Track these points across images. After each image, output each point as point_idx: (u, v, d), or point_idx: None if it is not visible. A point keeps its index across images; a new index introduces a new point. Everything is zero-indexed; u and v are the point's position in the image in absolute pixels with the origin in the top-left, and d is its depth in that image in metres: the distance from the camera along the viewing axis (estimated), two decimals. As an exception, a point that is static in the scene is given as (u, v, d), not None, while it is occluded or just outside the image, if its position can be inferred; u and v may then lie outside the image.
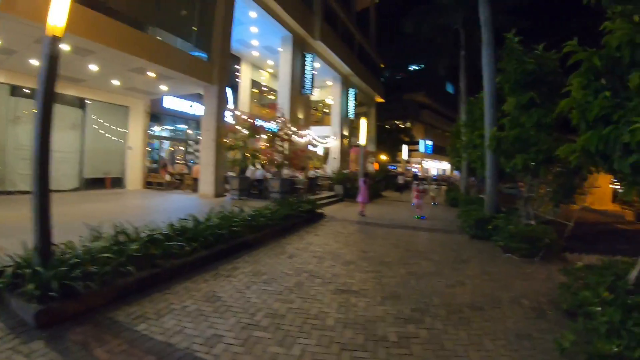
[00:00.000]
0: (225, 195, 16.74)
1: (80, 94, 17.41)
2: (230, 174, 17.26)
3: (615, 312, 3.98)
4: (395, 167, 60.75)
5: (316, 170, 23.46)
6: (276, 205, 11.94)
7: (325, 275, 6.96)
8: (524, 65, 9.45)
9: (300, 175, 19.60)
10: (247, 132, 16.41)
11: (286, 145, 16.57)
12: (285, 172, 18.39)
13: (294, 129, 16.66)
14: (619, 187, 19.96)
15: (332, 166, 31.17)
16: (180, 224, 7.70)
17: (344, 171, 22.57)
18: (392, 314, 5.22)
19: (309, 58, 24.83)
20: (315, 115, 37.53)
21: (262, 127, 16.45)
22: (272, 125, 17.48)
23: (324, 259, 8.16)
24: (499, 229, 10.11)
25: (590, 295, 4.66)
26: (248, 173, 17.46)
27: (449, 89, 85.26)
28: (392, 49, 74.53)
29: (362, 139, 22.69)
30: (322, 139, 35.31)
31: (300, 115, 24.88)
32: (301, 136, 19.97)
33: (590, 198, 12.00)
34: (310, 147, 38.38)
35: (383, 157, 53.74)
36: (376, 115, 46.78)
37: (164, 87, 18.22)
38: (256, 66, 29.35)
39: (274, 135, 15.86)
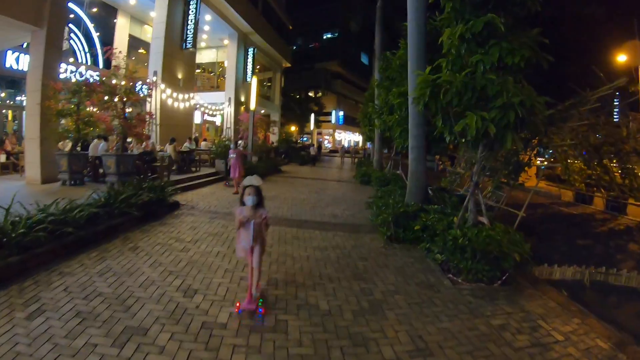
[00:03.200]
0: (59, 180, 11.96)
1: None
2: (61, 151, 12.35)
3: None
4: (306, 139, 57.49)
5: (192, 142, 18.80)
6: (100, 196, 7.89)
7: None
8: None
9: (167, 149, 15.12)
10: (79, 91, 11.55)
11: (131, 109, 11.79)
12: (146, 145, 13.84)
13: (140, 82, 11.92)
14: (542, 162, 17.46)
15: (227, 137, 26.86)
16: None
17: (225, 141, 18.17)
18: None
19: (193, 4, 19.96)
20: (210, 79, 32.64)
21: (100, 83, 11.46)
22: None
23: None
24: (435, 233, 6.55)
25: None
26: (90, 149, 12.74)
27: (364, 59, 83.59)
28: (306, 15, 70.80)
29: (252, 103, 18.69)
30: (218, 107, 30.88)
31: (180, 75, 20.14)
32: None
33: (524, 175, 9.04)
34: (204, 115, 34.12)
35: (292, 128, 50.12)
36: (282, 81, 42.65)
37: None
38: (136, 19, 23.88)
39: (110, 93, 10.99)
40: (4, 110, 18.04)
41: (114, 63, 11.46)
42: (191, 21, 19.94)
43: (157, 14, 19.03)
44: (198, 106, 31.04)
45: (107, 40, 21.50)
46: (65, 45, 17.99)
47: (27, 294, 4.43)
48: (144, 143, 13.87)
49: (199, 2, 20.03)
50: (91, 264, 5.54)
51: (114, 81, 11.03)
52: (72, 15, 19.27)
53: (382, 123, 13.82)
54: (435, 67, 6.43)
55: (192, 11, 19.93)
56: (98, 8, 21.24)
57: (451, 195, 9.48)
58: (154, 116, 15.21)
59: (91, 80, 11.42)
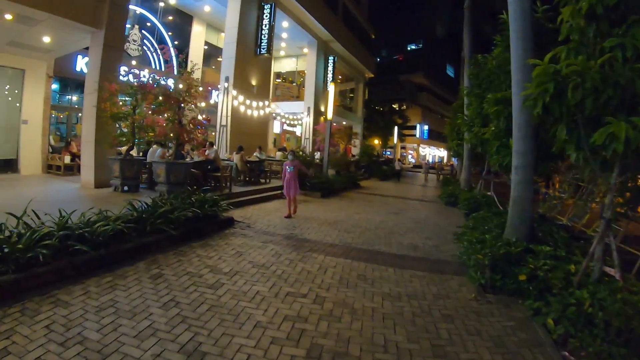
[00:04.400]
0: (111, 186, 11.36)
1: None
2: (117, 155, 11.64)
3: None
4: (389, 153, 55.56)
5: (262, 152, 17.57)
6: (131, 210, 6.89)
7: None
8: None
9: (233, 158, 14.03)
10: (135, 94, 10.68)
11: (189, 112, 10.71)
12: (210, 152, 12.78)
13: (200, 88, 10.73)
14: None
15: (308, 148, 25.83)
16: None
17: (299, 151, 16.75)
18: None
19: (267, 9, 19.05)
20: (290, 88, 31.83)
21: (157, 86, 10.45)
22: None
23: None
24: (546, 286, 4.77)
25: None
26: (149, 155, 11.91)
27: (449, 72, 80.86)
28: (389, 26, 69.47)
29: (329, 112, 17.30)
30: (298, 117, 29.99)
31: (254, 82, 19.20)
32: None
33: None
34: (284, 126, 33.31)
35: (375, 141, 48.31)
36: (366, 93, 41.08)
37: (45, 38, 12.98)
38: (212, 26, 23.67)
39: (167, 97, 9.91)
40: (74, 113, 18.12)
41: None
42: (265, 26, 19.06)
43: (230, 18, 18.32)
44: (276, 116, 30.35)
45: (183, 48, 21.47)
46: (138, 52, 17.85)
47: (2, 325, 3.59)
48: (207, 151, 12.85)
49: (273, 6, 19.12)
50: (96, 292, 4.55)
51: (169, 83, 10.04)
52: (148, 24, 19.49)
53: (473, 137, 11.81)
54: (551, 61, 4.55)
55: (267, 16, 19.07)
56: (173, 16, 21.21)
57: (558, 229, 7.39)
58: (210, 121, 14.25)
59: (146, 81, 10.39)
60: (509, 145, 7.46)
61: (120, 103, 10.98)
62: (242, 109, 18.35)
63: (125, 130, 11.17)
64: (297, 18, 23.11)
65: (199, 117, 10.71)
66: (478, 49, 15.71)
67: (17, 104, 15.26)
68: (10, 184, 12.08)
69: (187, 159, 11.92)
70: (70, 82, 17.40)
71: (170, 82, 17.32)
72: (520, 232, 6.32)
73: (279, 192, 14.31)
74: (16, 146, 15.37)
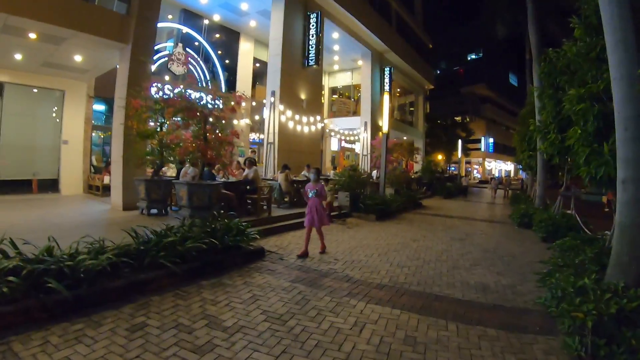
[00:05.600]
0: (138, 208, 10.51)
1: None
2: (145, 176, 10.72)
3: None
4: (454, 169, 52.86)
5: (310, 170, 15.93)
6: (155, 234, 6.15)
7: None
8: None
9: (282, 178, 12.74)
10: (161, 110, 9.66)
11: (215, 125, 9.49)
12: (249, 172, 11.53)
13: (232, 102, 9.45)
14: None
15: (364, 166, 24.46)
16: None
17: (349, 169, 15.00)
18: None
19: (313, 18, 17.96)
20: (346, 103, 30.58)
21: (178, 98, 9.35)
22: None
23: None
24: None
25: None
26: (181, 175, 10.86)
27: (512, 80, 77.38)
28: (447, 37, 67.42)
29: (384, 124, 15.82)
30: (354, 133, 28.67)
31: (303, 96, 18.04)
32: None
33: None
34: (342, 143, 31.92)
35: (439, 157, 45.98)
36: (426, 105, 39.23)
37: (77, 57, 12.92)
38: (260, 42, 22.83)
39: (189, 110, 8.70)
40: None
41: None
42: (312, 36, 17.95)
43: (273, 30, 17.34)
44: (334, 133, 29.21)
45: (232, 65, 20.99)
46: (183, 70, 17.34)
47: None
48: (245, 170, 11.66)
49: (319, 15, 18.02)
50: (55, 344, 3.62)
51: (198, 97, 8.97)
52: (196, 43, 19.19)
53: (548, 145, 9.90)
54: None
55: (313, 25, 17.99)
56: (220, 33, 20.87)
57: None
58: (240, 137, 13.17)
59: (171, 95, 9.36)
60: (604, 152, 5.70)
61: (151, 120, 10.10)
62: (290, 124, 17.21)
63: (154, 148, 10.23)
64: (347, 28, 21.88)
65: (227, 132, 9.46)
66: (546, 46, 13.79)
67: (58, 125, 15.44)
68: (41, 204, 11.88)
69: (222, 179, 10.78)
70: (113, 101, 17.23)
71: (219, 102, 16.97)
72: (630, 274, 4.51)
73: (334, 214, 12.94)
74: (57, 166, 15.49)
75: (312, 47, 17.94)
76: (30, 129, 14.96)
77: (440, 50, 49.34)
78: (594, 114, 6.00)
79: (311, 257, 7.85)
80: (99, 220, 9.47)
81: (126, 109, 10.08)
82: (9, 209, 10.63)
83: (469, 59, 74.52)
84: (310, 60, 17.97)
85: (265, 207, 11.01)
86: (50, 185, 15.43)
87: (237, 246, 6.99)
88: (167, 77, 16.81)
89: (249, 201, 11.01)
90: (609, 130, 5.71)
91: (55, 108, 15.54)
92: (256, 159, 14.65)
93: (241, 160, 14.93)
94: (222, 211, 8.58)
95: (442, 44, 56.03)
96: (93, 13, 10.67)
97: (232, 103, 9.27)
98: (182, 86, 9.22)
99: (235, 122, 18.09)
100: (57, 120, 15.50)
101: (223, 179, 10.91)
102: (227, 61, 21.06)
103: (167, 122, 9.86)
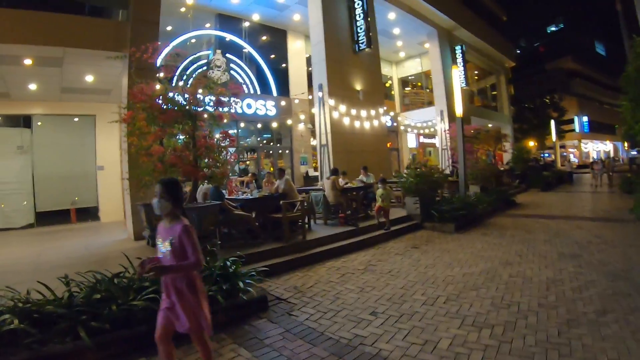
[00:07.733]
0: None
1: (20, 110, 13.88)
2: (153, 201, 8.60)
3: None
4: (548, 155, 46.73)
5: (368, 174, 12.76)
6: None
7: None
8: None
9: (328, 186, 10.09)
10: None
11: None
12: (278, 185, 9.12)
13: (223, 97, 7.05)
14: None
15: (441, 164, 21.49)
16: None
17: (417, 167, 11.80)
18: None
19: (360, -5, 15.50)
20: (419, 94, 27.58)
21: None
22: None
23: None
24: None
25: None
26: (197, 196, 8.55)
27: (599, 49, 69.87)
28: (523, 10, 62.25)
29: (458, 107, 12.90)
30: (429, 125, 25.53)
31: (358, 86, 15.46)
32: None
33: None
34: (421, 138, 28.55)
35: (531, 143, 40.83)
36: (510, 87, 35.05)
37: (88, 77, 12.22)
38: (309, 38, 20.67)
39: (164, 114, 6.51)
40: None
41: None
42: (359, 16, 15.44)
43: (313, 16, 15.04)
44: (408, 128, 26.33)
45: (283, 67, 19.54)
46: (225, 77, 15.74)
47: None
48: (277, 181, 9.26)
49: (367, -9, 15.45)
50: None
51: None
52: (242, 49, 17.79)
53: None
54: None
55: (358, 4, 15.44)
56: (265, 34, 19.10)
57: None
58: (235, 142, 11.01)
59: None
60: None
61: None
62: (346, 121, 14.70)
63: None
64: (404, 6, 19.07)
65: (217, 136, 7.19)
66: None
67: (92, 151, 15.25)
68: (60, 236, 11.38)
69: (242, 195, 8.45)
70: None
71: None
72: None
73: (397, 227, 10.22)
74: (95, 194, 15.27)
75: (361, 29, 15.43)
76: (64, 158, 14.76)
77: (516, 25, 44.87)
78: None
79: (339, 305, 5.17)
80: (93, 254, 8.03)
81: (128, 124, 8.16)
82: (13, 245, 10.28)
83: (548, 31, 68.37)
84: (361, 44, 15.44)
85: (302, 227, 8.36)
86: (91, 214, 15.23)
87: (214, 299, 4.46)
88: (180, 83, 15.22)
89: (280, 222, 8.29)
90: None
91: (88, 134, 15.22)
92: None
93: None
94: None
95: (517, 18, 51.33)
96: (79, 25, 9.94)
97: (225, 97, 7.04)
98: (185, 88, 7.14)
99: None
100: (91, 146, 15.22)
101: (246, 195, 8.58)
102: (276, 64, 19.22)
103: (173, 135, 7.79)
